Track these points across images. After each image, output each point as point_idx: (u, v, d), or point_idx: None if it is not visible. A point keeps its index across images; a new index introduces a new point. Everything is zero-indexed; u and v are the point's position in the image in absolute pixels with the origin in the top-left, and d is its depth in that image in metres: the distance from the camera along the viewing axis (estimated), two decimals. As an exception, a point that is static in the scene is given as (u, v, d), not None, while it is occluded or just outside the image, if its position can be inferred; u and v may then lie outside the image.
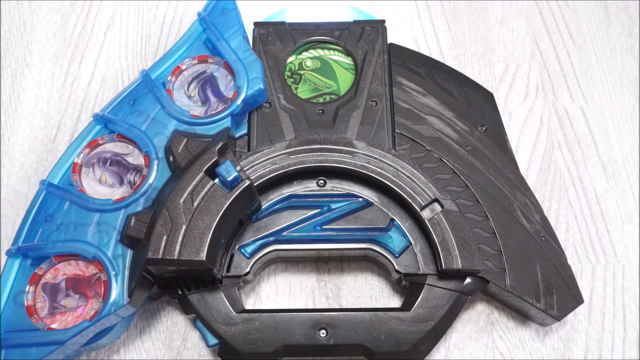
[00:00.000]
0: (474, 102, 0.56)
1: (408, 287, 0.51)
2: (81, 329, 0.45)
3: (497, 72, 0.63)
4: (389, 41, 0.58)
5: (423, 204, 0.49)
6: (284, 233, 0.51)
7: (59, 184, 0.51)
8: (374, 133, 0.54)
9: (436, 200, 0.50)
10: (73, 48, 0.64)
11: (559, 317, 0.49)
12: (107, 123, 0.52)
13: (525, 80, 0.62)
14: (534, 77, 0.62)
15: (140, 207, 0.49)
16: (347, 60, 0.58)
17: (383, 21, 0.58)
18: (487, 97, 0.57)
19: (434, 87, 0.56)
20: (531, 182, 0.57)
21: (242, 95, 0.52)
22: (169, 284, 0.49)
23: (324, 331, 0.48)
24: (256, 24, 0.58)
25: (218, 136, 0.50)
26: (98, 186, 0.51)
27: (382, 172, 0.50)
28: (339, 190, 0.52)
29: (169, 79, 0.54)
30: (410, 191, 0.50)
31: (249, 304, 0.54)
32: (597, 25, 0.65)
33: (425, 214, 0.49)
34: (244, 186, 0.47)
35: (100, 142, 0.52)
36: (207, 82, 0.55)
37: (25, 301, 0.47)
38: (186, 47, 0.55)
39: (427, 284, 0.49)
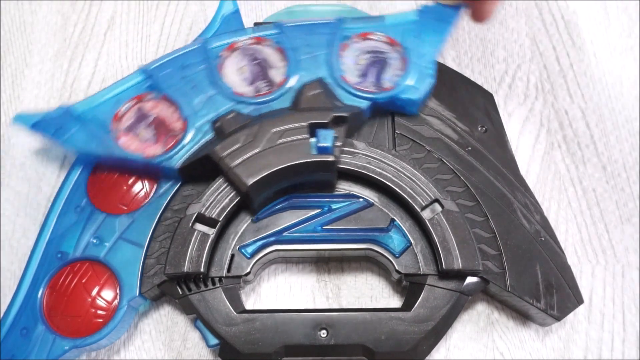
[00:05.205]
0: (474, 103, 0.56)
1: (408, 287, 0.51)
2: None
3: (496, 73, 0.63)
4: (389, 41, 0.58)
5: (423, 205, 0.49)
6: (285, 233, 0.51)
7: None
8: (374, 133, 0.54)
9: (436, 200, 0.50)
10: (73, 48, 0.64)
11: (559, 317, 0.49)
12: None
13: (525, 80, 0.62)
14: (534, 77, 0.63)
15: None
16: (348, 61, 0.58)
17: (383, 21, 0.58)
18: (487, 98, 0.57)
19: (434, 87, 0.56)
20: (531, 182, 0.57)
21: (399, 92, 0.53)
22: (169, 284, 0.49)
23: (324, 331, 0.48)
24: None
25: (351, 110, 0.51)
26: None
27: (383, 172, 0.50)
28: (339, 191, 0.52)
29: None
30: (411, 191, 0.50)
31: (249, 304, 0.54)
32: (597, 26, 0.65)
33: (426, 214, 0.49)
34: (327, 159, 0.48)
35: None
36: (377, 63, 0.54)
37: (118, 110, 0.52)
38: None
39: (428, 284, 0.49)
